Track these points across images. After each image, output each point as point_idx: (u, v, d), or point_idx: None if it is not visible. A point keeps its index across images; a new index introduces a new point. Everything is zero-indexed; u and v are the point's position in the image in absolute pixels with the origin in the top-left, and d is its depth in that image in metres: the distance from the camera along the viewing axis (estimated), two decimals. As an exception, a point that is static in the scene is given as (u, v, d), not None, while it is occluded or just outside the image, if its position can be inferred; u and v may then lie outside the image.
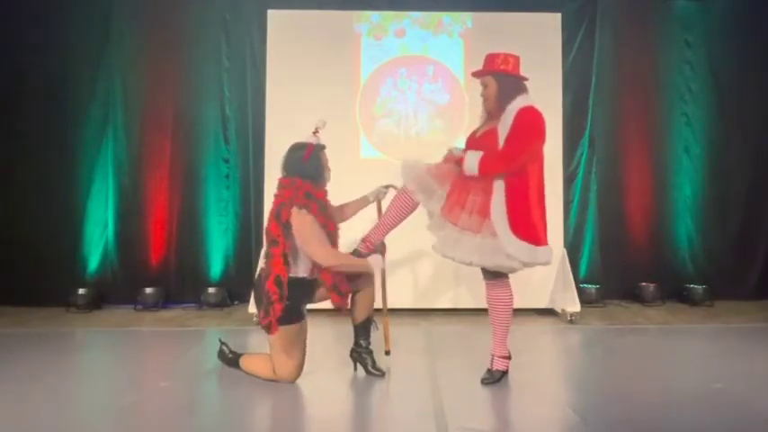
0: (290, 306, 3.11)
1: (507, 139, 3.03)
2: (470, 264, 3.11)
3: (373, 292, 3.40)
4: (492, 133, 3.11)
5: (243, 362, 3.37)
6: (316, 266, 3.18)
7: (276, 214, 3.11)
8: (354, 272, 3.23)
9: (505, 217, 3.02)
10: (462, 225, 3.06)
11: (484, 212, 3.05)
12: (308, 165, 3.21)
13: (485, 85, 3.21)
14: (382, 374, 3.39)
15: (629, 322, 4.92)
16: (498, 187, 3.05)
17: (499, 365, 3.26)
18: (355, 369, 3.47)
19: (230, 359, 3.42)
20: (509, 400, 3.08)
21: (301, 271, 3.16)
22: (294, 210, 3.07)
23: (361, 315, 3.39)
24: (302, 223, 3.07)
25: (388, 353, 3.54)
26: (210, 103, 5.67)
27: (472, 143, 3.23)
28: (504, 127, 3.07)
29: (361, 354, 3.43)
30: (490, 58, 3.20)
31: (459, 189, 3.13)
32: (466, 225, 3.05)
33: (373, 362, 3.42)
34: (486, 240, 3.03)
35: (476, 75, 3.27)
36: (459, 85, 5.39)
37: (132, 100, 5.64)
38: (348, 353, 3.48)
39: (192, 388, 3.30)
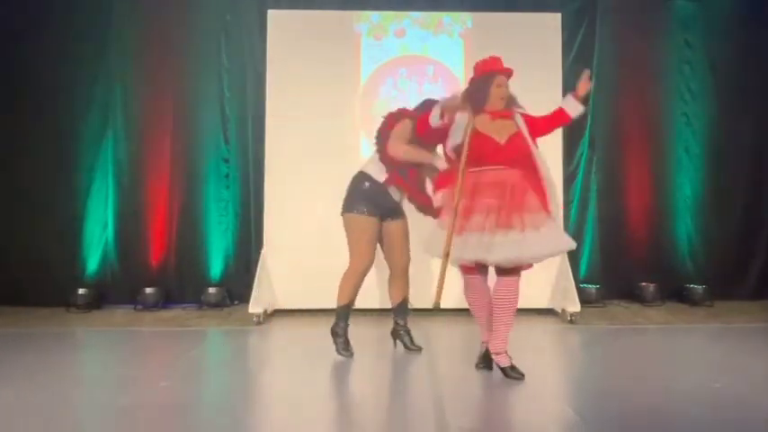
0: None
1: (538, 119, 3.33)
2: (541, 259, 3.18)
3: (407, 276, 3.81)
4: (520, 134, 3.23)
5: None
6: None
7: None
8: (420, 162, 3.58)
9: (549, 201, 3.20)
10: (531, 224, 3.10)
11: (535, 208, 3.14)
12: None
13: (507, 86, 3.33)
14: (419, 350, 3.80)
15: (629, 322, 4.92)
16: (535, 174, 3.18)
17: (503, 361, 3.25)
18: (395, 346, 3.87)
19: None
20: (509, 400, 3.07)
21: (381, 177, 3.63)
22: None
23: (396, 297, 3.81)
24: (401, 127, 3.57)
25: (437, 305, 3.51)
26: (210, 103, 5.67)
27: (505, 147, 3.21)
28: (523, 126, 3.26)
29: (399, 332, 3.86)
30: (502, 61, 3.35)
31: (489, 200, 3.15)
32: (530, 223, 3.10)
33: (411, 339, 3.84)
34: (549, 230, 3.15)
35: (508, 70, 3.35)
36: (459, 85, 5.36)
37: (132, 100, 5.64)
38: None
39: (193, 388, 3.30)
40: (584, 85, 3.33)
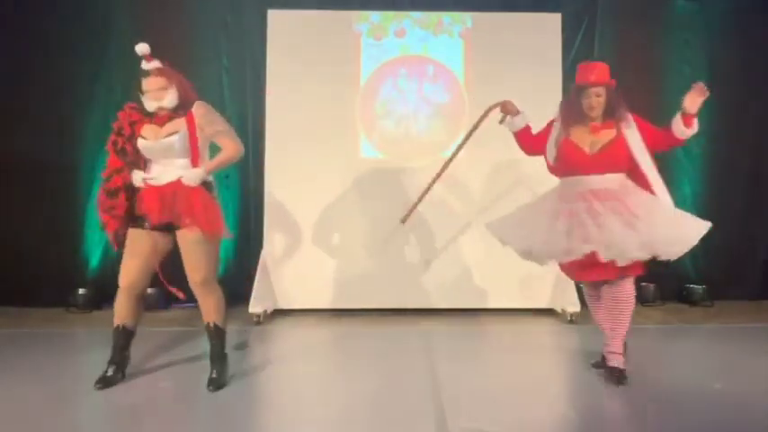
0: None
1: (653, 133, 3.38)
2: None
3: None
4: (619, 143, 3.31)
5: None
6: None
7: None
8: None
9: None
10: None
11: None
12: None
13: (599, 95, 3.29)
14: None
15: (628, 322, 4.91)
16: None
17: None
18: None
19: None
20: (509, 400, 3.08)
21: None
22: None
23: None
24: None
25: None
26: (211, 103, 5.64)
27: (594, 157, 3.29)
28: (632, 135, 3.33)
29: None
30: (605, 69, 3.34)
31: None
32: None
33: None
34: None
35: (597, 82, 3.29)
36: (459, 85, 5.38)
37: (132, 100, 5.61)
38: (345, 353, 3.50)
39: (192, 388, 3.30)
40: (693, 99, 3.26)
